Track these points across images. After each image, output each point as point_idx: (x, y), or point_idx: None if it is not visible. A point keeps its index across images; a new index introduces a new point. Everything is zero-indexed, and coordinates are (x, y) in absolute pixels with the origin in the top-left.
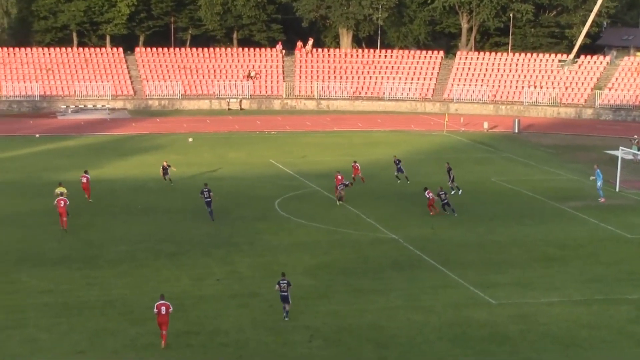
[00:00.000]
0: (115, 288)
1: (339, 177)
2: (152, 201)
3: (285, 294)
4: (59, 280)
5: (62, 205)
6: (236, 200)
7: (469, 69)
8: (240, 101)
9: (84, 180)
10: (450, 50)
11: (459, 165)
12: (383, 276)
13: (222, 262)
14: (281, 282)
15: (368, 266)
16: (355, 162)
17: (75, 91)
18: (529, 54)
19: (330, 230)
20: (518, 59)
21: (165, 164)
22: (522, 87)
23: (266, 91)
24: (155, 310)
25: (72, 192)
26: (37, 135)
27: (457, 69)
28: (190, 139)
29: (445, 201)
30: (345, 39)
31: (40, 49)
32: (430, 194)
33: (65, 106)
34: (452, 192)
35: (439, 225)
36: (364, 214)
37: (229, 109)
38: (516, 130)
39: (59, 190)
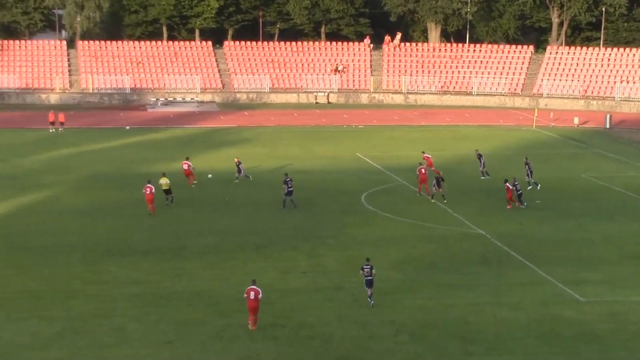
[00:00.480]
0: (203, 279)
1: (423, 170)
2: (239, 193)
3: (370, 278)
4: (147, 270)
5: (148, 192)
6: (323, 193)
7: (559, 63)
8: (328, 95)
9: (185, 167)
10: (540, 45)
11: (548, 161)
12: (470, 272)
13: (308, 255)
14: (365, 267)
15: (455, 261)
16: (423, 152)
17: (164, 84)
18: (621, 49)
19: (417, 225)
20: (610, 54)
21: (236, 160)
22: (614, 82)
23: (354, 85)
24: (245, 294)
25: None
26: (127, 128)
27: (547, 63)
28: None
29: (520, 192)
30: (434, 33)
31: (130, 43)
32: (510, 186)
33: (154, 99)
34: (529, 188)
35: (527, 221)
36: (451, 209)
37: (316, 102)
38: (608, 126)
39: (162, 180)
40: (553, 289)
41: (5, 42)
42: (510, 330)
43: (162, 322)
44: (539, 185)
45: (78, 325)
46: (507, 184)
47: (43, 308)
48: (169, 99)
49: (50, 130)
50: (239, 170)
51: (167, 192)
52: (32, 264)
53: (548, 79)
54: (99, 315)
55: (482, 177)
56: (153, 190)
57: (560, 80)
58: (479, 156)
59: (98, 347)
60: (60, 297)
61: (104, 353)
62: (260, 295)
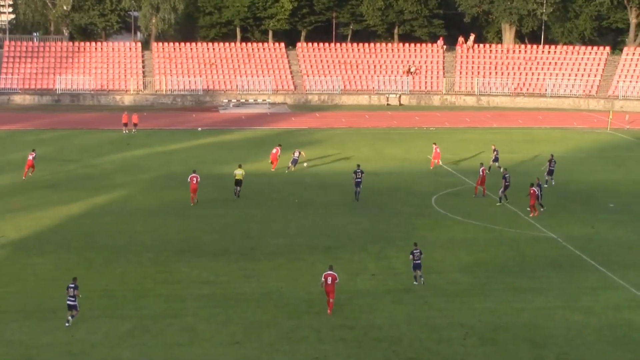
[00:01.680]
0: (272, 281)
1: (486, 171)
2: (309, 195)
3: (419, 262)
4: (217, 271)
5: (194, 182)
6: (393, 195)
7: (636, 65)
8: (400, 97)
9: (194, 181)
10: (616, 46)
11: (622, 164)
12: (541, 275)
13: (377, 257)
14: (414, 251)
15: (526, 265)
16: (434, 143)
17: (237, 85)
18: None
19: (487, 227)
20: None
21: (295, 150)
22: None
23: (426, 87)
24: (322, 279)
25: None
26: (200, 129)
27: (624, 65)
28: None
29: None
30: (508, 34)
31: (204, 44)
32: (534, 190)
33: (227, 100)
34: (545, 185)
35: (600, 225)
36: (522, 212)
37: (388, 104)
38: None
39: (238, 171)
40: (626, 294)
41: (82, 43)
42: (581, 335)
43: (231, 322)
44: (553, 182)
45: (149, 324)
46: (533, 187)
47: (115, 307)
48: (241, 100)
49: (124, 132)
50: (294, 161)
51: (238, 183)
52: (104, 263)
53: (624, 81)
54: (169, 315)
55: (546, 185)
56: (198, 180)
57: (637, 82)
58: (550, 161)
59: (168, 347)
60: (131, 296)
61: (173, 352)
62: (337, 280)
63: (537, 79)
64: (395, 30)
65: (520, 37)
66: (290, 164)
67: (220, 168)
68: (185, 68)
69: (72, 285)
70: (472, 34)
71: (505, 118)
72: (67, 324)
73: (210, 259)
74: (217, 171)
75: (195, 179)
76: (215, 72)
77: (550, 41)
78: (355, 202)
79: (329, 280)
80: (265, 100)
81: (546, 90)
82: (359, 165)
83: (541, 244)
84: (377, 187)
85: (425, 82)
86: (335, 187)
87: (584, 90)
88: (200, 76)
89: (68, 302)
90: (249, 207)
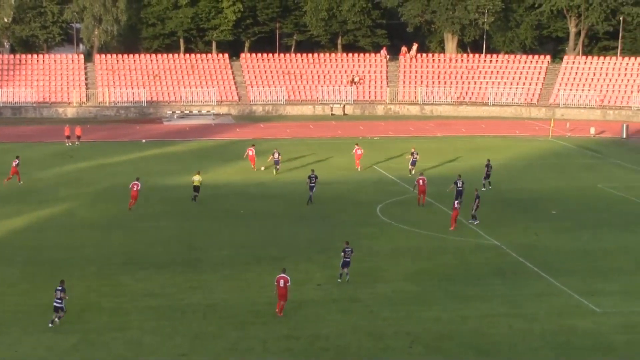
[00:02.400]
0: (218, 292)
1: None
2: (254, 206)
3: (348, 260)
4: (162, 283)
5: (134, 189)
6: (338, 205)
7: (576, 73)
8: (344, 106)
9: (135, 188)
10: (557, 55)
11: (564, 171)
12: (485, 283)
13: (323, 267)
14: (346, 249)
15: (470, 273)
16: (357, 144)
17: (181, 97)
18: (639, 58)
19: (431, 236)
20: (627, 63)
21: (274, 151)
22: (632, 91)
23: (370, 96)
24: (275, 282)
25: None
26: (144, 141)
27: (564, 73)
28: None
29: (477, 204)
30: (450, 43)
31: (148, 56)
32: (458, 206)
33: (171, 112)
34: (484, 189)
35: (542, 232)
36: (466, 219)
37: (332, 114)
38: (624, 136)
39: (196, 177)
40: (569, 300)
41: (23, 56)
42: (525, 342)
43: (177, 334)
44: (490, 187)
45: (93, 338)
46: (458, 204)
47: (59, 321)
48: (185, 111)
49: (67, 144)
50: (277, 163)
51: (196, 189)
52: (48, 278)
53: (565, 89)
54: (114, 328)
55: (484, 189)
56: (139, 188)
57: (577, 90)
58: (487, 166)
59: None
60: (76, 310)
61: None
62: (289, 283)
63: (480, 87)
64: (339, 41)
65: (462, 46)
66: (275, 166)
67: (164, 180)
68: (128, 80)
69: (60, 288)
70: (414, 43)
71: (449, 127)
72: (50, 324)
73: (155, 271)
74: (162, 183)
75: (136, 186)
76: (159, 83)
77: (492, 50)
78: (306, 207)
79: (281, 282)
80: (209, 111)
81: (488, 98)
82: (313, 170)
83: (485, 252)
84: (323, 196)
85: (369, 91)
86: (280, 197)
87: (525, 99)
88: (144, 88)
89: (55, 304)
90: (193, 218)
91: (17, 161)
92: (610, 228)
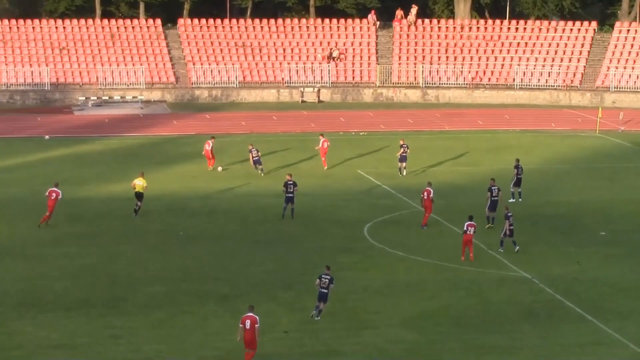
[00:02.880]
0: (149, 342)
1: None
2: (198, 226)
3: (326, 291)
4: (73, 331)
5: (52, 197)
6: (312, 225)
7: (631, 46)
8: (319, 91)
9: (53, 196)
10: (606, 21)
11: (616, 177)
12: (511, 329)
13: (291, 308)
14: (323, 276)
15: (490, 316)
16: (322, 135)
17: (97, 78)
18: None
19: (438, 265)
20: None
21: (251, 148)
22: None
23: (353, 77)
24: (240, 324)
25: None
26: (47, 137)
27: (616, 46)
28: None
29: (511, 226)
30: (462, 5)
31: (51, 22)
32: (471, 229)
33: (84, 98)
34: (511, 200)
35: (587, 261)
36: (484, 244)
37: (302, 101)
38: None
39: (138, 181)
40: (624, 351)
41: None
42: None
43: None
44: (521, 199)
45: None
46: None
47: None
48: (104, 97)
49: None
50: (257, 162)
51: (139, 196)
52: None
53: (617, 67)
54: None
55: (512, 199)
56: (59, 197)
57: (633, 69)
58: (517, 167)
59: None
60: None
61: None
62: (257, 325)
63: (502, 65)
64: (311, 1)
65: (478, 10)
66: (256, 166)
67: (75, 190)
68: (25, 54)
69: None
70: (414, 5)
71: (461, 118)
72: None
73: (63, 315)
74: (72, 195)
75: (54, 194)
76: (67, 59)
77: (518, 15)
78: (261, 234)
79: (247, 324)
80: (136, 97)
81: (514, 80)
82: (290, 175)
83: (511, 287)
84: (289, 213)
85: (353, 70)
86: (232, 214)
87: (563, 80)
88: (47, 65)
89: None
90: (114, 242)
91: None
92: None
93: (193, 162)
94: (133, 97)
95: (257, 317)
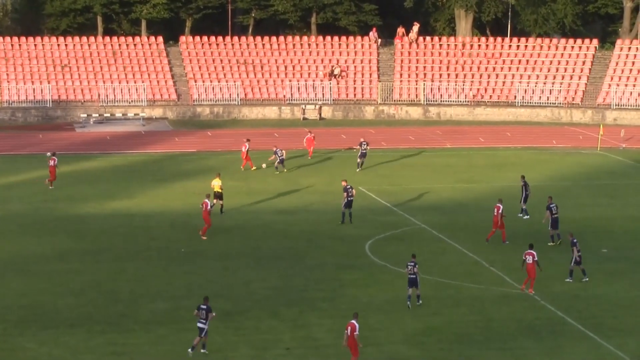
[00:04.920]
0: (150, 359)
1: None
2: (201, 243)
3: (414, 277)
4: (75, 347)
5: (51, 164)
6: (313, 241)
7: (632, 64)
8: (320, 108)
9: (52, 163)
10: (607, 38)
11: (618, 195)
12: (514, 346)
13: (293, 325)
14: (409, 263)
15: (492, 332)
16: (310, 131)
17: (99, 95)
18: None
19: (440, 283)
20: None
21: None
22: None
23: (355, 95)
24: (348, 329)
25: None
26: (49, 154)
27: (617, 64)
28: (264, 165)
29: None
30: (464, 23)
31: (53, 39)
32: (529, 257)
33: (85, 115)
34: (520, 215)
35: (590, 277)
36: (486, 260)
37: (304, 118)
38: None
39: (215, 182)
40: None
41: None
42: None
43: None
44: (528, 216)
45: None
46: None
47: None
48: (105, 115)
49: None
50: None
51: (219, 196)
52: None
53: (618, 85)
54: None
55: (520, 215)
56: (209, 207)
57: (634, 86)
58: (524, 186)
59: None
60: None
61: None
62: (356, 332)
63: (504, 83)
64: (313, 19)
65: (479, 28)
66: (280, 165)
67: (77, 207)
68: (27, 71)
69: (204, 307)
70: (415, 23)
71: (462, 135)
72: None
73: (66, 331)
74: (74, 212)
75: (52, 161)
76: (69, 76)
77: (519, 33)
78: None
79: (348, 330)
80: (138, 114)
81: (515, 97)
82: (345, 181)
83: (513, 304)
84: (292, 230)
85: (354, 88)
86: (235, 230)
87: (565, 98)
88: (49, 83)
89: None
90: (117, 259)
91: (55, 160)
92: None
93: (195, 178)
94: (135, 114)
95: (357, 325)
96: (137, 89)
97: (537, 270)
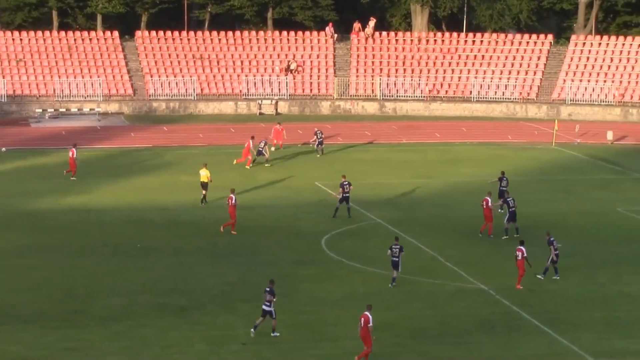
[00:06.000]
0: (106, 355)
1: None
2: (156, 238)
3: (397, 259)
4: (30, 344)
5: (230, 203)
6: (269, 236)
7: (587, 59)
8: (276, 103)
9: (70, 154)
10: (562, 34)
11: (572, 190)
12: (468, 340)
13: (249, 320)
14: (393, 247)
15: (448, 327)
16: (279, 123)
17: (54, 90)
18: None
19: (396, 278)
20: None
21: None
22: None
23: (311, 90)
24: (361, 321)
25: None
26: (3, 150)
27: (572, 59)
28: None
29: (556, 252)
30: (420, 18)
31: (8, 34)
32: (518, 253)
33: (41, 110)
34: (501, 211)
35: (546, 272)
36: (442, 256)
37: (260, 113)
38: None
39: (201, 171)
40: None
41: None
42: None
43: None
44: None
45: None
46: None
47: None
48: (61, 110)
49: None
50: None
51: (204, 185)
52: None
53: (573, 80)
54: None
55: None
56: (234, 202)
57: (589, 81)
58: (501, 179)
59: None
60: None
61: None
62: (370, 324)
63: (459, 78)
64: (269, 14)
65: (435, 23)
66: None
67: (33, 203)
68: None
69: (268, 289)
70: (371, 18)
71: (418, 130)
72: (252, 330)
73: (20, 327)
74: (28, 207)
75: (230, 199)
76: (23, 71)
77: (475, 28)
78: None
79: (362, 322)
80: (93, 109)
81: (471, 92)
82: (344, 177)
83: (468, 299)
84: (248, 225)
85: (311, 83)
86: (190, 225)
87: (520, 93)
88: (4, 77)
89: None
90: (72, 255)
91: (75, 151)
92: (634, 266)
93: (151, 174)
94: (90, 109)
95: (370, 316)
96: (92, 84)
97: (527, 265)
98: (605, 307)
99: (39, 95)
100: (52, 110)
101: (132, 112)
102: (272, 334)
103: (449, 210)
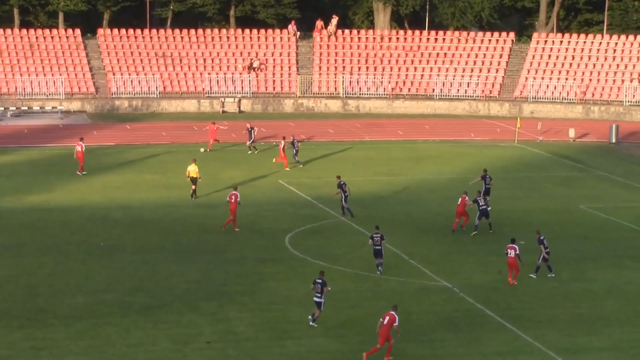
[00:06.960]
0: (70, 354)
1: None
2: (119, 236)
3: (379, 247)
4: None
5: (232, 201)
6: (233, 234)
7: (549, 56)
8: (239, 101)
9: (79, 148)
10: (523, 32)
11: (535, 187)
12: (432, 338)
13: (213, 318)
14: (374, 235)
15: (411, 324)
16: (213, 123)
17: (16, 88)
18: (631, 37)
19: (360, 275)
20: (617, 44)
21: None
22: (622, 81)
23: (274, 88)
24: (380, 319)
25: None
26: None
27: (534, 57)
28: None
29: (548, 253)
30: (382, 16)
31: None
32: (511, 251)
33: (2, 108)
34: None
35: (507, 269)
36: (405, 253)
37: (223, 111)
38: (613, 140)
39: (190, 167)
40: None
41: None
42: None
43: None
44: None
45: None
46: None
47: None
48: (23, 108)
49: None
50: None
51: (193, 181)
52: None
53: (535, 78)
54: None
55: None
56: (238, 199)
57: (550, 79)
58: (484, 177)
59: None
60: None
61: None
62: (395, 324)
63: (422, 76)
64: (231, 12)
65: (398, 20)
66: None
67: None
68: None
69: (319, 281)
70: (334, 16)
71: (381, 128)
72: (311, 317)
73: None
74: None
75: (234, 197)
76: None
77: (437, 26)
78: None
79: (386, 320)
80: (55, 107)
81: (433, 90)
82: (339, 177)
83: (431, 297)
84: (211, 223)
85: (274, 81)
86: (153, 224)
87: (482, 91)
88: None
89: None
90: (35, 253)
91: (82, 145)
92: (596, 263)
93: (114, 172)
94: (52, 108)
95: (397, 316)
96: (54, 82)
97: (519, 263)
98: (569, 304)
99: (1, 94)
100: (14, 108)
101: (95, 110)
102: (310, 323)
103: (412, 208)
